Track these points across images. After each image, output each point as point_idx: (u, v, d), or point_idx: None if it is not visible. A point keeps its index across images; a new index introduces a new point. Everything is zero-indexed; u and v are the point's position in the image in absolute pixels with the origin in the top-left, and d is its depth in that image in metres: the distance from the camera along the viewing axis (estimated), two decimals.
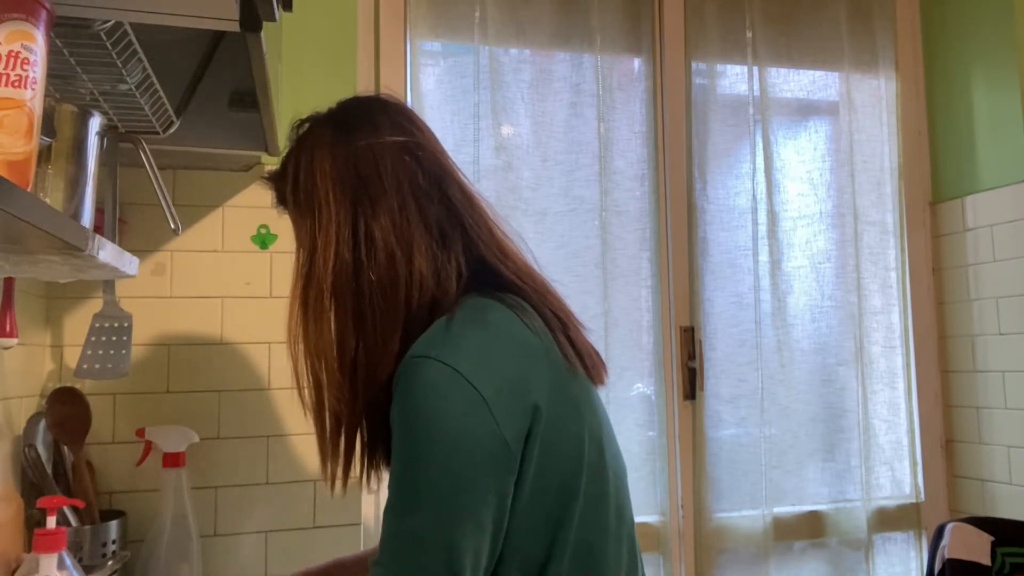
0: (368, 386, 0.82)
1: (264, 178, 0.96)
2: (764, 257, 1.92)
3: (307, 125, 0.93)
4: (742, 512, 1.87)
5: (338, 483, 0.85)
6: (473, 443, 0.72)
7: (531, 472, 0.75)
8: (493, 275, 0.86)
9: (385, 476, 0.84)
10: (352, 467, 0.86)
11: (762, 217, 1.93)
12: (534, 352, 0.80)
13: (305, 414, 0.86)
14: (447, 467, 0.71)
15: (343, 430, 0.85)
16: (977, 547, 1.51)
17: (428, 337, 0.78)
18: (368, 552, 1.14)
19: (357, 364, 0.82)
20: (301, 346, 0.85)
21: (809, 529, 1.91)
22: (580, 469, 0.79)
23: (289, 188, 0.90)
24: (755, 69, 1.97)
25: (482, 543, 0.73)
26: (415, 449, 0.73)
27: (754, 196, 1.93)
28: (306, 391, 0.85)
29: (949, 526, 1.57)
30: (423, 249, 0.83)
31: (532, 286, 0.87)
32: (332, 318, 0.84)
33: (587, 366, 0.86)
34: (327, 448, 0.85)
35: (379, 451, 0.87)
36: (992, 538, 1.52)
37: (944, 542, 1.55)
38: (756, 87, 1.96)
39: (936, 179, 2.09)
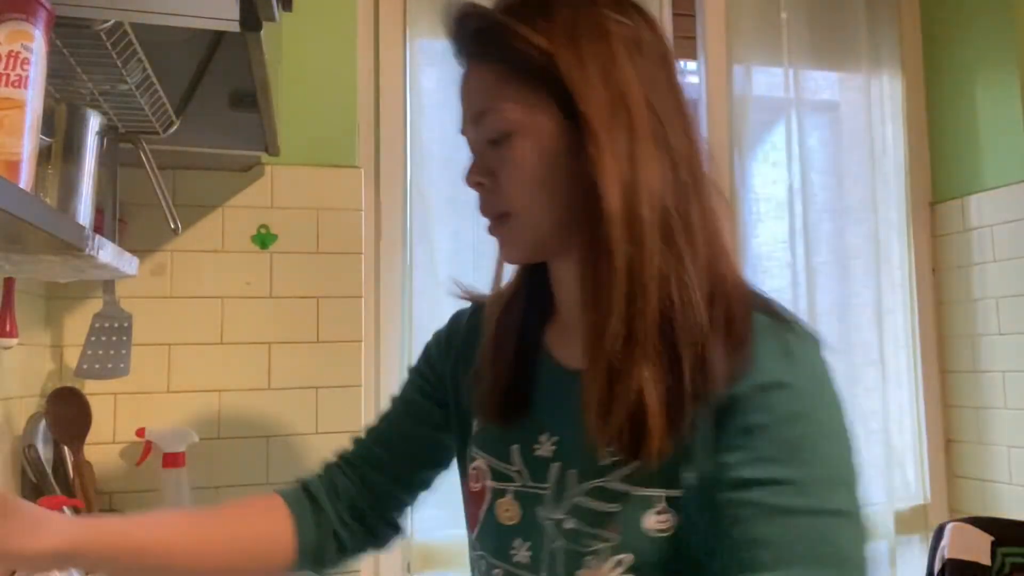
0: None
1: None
2: (801, 250, 1.90)
3: None
4: None
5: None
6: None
7: None
8: None
9: None
10: None
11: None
12: None
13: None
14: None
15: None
16: (977, 547, 1.51)
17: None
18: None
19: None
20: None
21: None
22: None
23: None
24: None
25: None
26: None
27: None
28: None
29: (949, 526, 1.56)
30: None
31: None
32: None
33: None
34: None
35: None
36: (992, 538, 1.52)
37: (944, 542, 1.55)
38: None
39: (936, 179, 2.08)
